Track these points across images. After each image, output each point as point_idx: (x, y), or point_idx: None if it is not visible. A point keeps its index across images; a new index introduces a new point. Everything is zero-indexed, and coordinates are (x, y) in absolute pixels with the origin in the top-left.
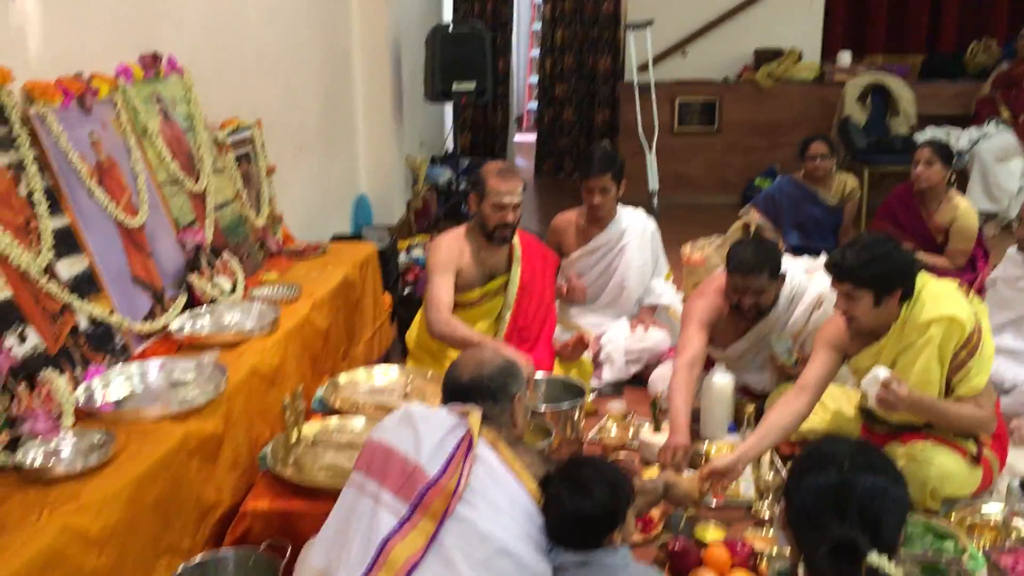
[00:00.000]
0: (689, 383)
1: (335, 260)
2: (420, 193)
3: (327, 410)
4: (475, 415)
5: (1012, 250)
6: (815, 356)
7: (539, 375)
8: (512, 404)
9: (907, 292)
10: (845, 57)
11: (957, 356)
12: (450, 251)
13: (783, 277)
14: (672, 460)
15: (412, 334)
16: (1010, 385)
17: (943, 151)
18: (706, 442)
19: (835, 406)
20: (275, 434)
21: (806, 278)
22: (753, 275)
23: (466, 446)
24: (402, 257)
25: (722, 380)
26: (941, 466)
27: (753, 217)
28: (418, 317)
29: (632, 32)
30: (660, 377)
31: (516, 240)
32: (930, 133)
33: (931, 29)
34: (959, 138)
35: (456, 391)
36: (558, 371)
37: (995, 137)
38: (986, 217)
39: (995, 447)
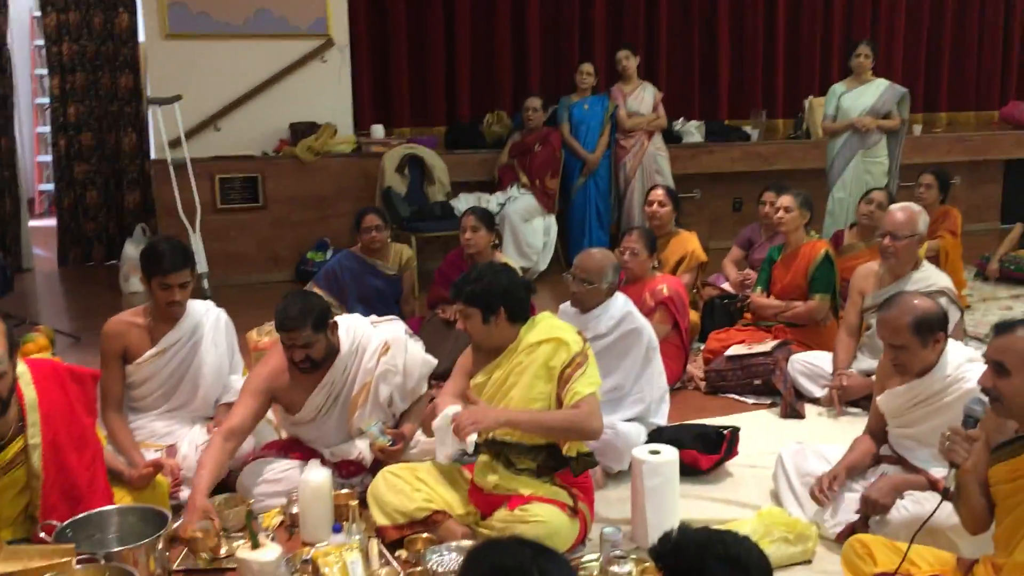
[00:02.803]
0: (218, 454)
1: None
2: None
3: None
4: None
5: None
6: (450, 380)
7: (108, 509)
8: None
9: (515, 316)
10: (378, 130)
11: (563, 373)
12: None
13: (334, 325)
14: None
15: None
16: None
17: (486, 217)
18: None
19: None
20: None
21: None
22: (296, 330)
23: None
24: None
25: (318, 477)
26: (550, 523)
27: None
28: None
29: (158, 108)
30: (249, 486)
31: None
32: (463, 199)
33: (450, 103)
34: (489, 202)
35: None
36: (126, 500)
37: (519, 200)
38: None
39: (585, 500)
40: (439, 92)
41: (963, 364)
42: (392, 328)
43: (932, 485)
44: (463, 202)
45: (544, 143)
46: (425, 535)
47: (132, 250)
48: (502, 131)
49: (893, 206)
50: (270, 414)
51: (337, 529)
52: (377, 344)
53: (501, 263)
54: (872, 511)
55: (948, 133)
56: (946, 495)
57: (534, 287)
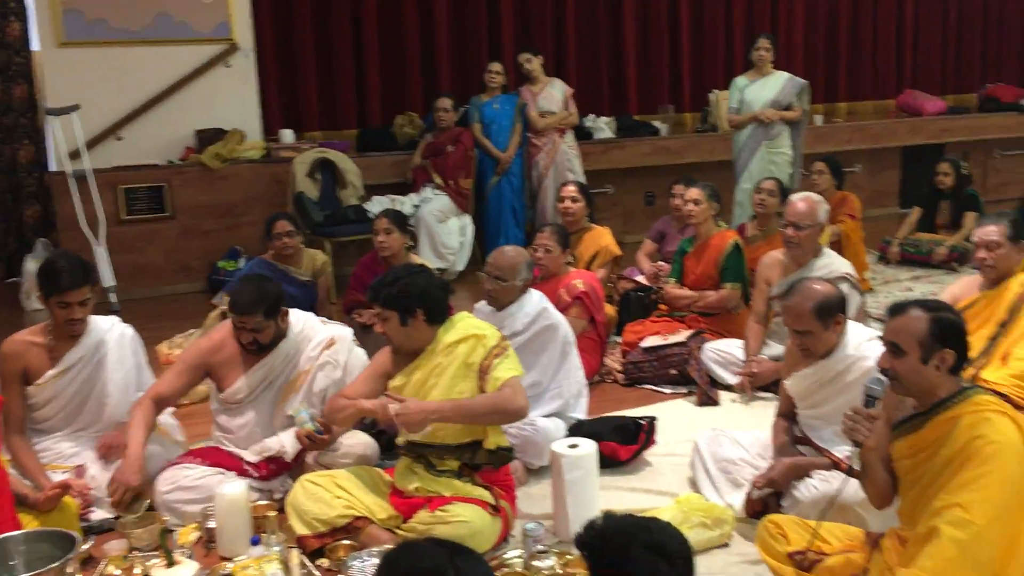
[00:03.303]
0: (148, 413)
1: None
2: None
3: None
4: None
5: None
6: (359, 381)
7: (15, 535)
8: None
9: (433, 317)
10: (288, 135)
11: (483, 364)
12: None
13: (285, 313)
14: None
15: None
16: None
17: (399, 219)
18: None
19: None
20: None
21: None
22: (249, 314)
23: None
24: None
25: (234, 490)
26: (472, 523)
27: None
28: None
29: (55, 118)
30: (163, 492)
31: None
32: (377, 202)
33: (360, 105)
34: (403, 203)
35: None
36: (33, 525)
37: (434, 201)
38: (438, 273)
39: (507, 497)
40: (349, 95)
41: (862, 344)
42: (341, 328)
43: (834, 464)
44: (377, 205)
45: (456, 143)
46: (347, 542)
47: (33, 266)
48: (414, 132)
49: (794, 196)
50: (179, 434)
51: (255, 541)
52: (324, 337)
53: (418, 264)
54: (775, 487)
55: (848, 122)
56: (851, 473)
57: (451, 287)
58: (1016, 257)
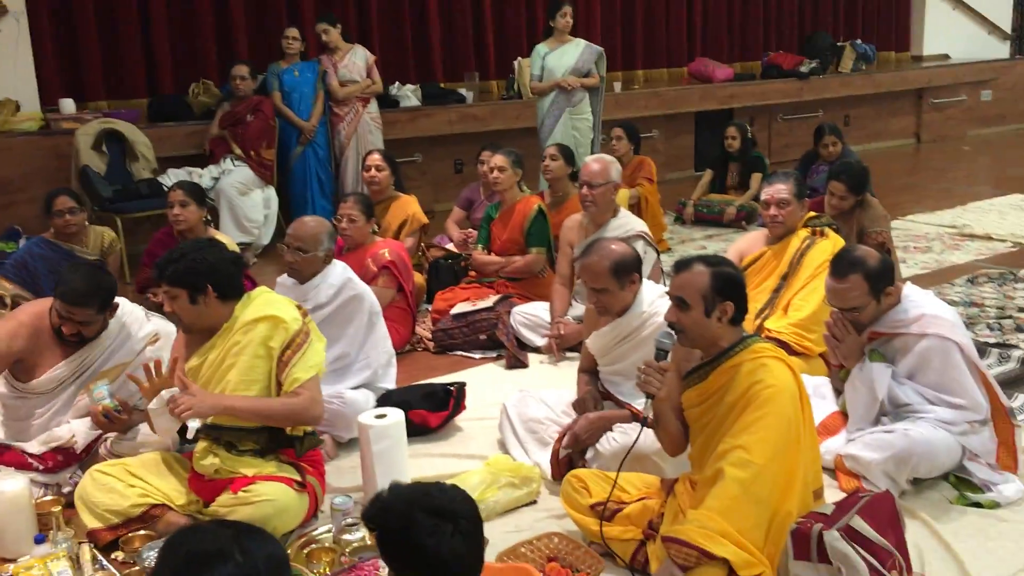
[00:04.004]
0: None
1: None
2: None
3: None
4: None
5: None
6: None
7: None
8: None
9: (226, 293)
10: (68, 105)
11: (283, 355)
12: None
13: (115, 307)
14: None
15: None
16: None
17: (195, 191)
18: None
19: None
20: None
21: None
22: (80, 307)
23: None
24: None
25: (14, 487)
26: (277, 501)
27: (6, 288)
28: None
29: None
30: None
31: None
32: (173, 175)
33: (150, 73)
34: (202, 176)
35: None
36: None
37: (234, 172)
38: (243, 247)
39: (314, 473)
40: (137, 62)
41: (656, 300)
42: (166, 324)
43: (634, 416)
44: (172, 178)
45: (256, 112)
46: (143, 532)
47: None
48: (210, 101)
49: (588, 158)
50: None
51: (40, 539)
52: (148, 332)
53: (207, 238)
54: (578, 446)
55: (645, 89)
56: (645, 423)
57: (246, 260)
58: (800, 214)
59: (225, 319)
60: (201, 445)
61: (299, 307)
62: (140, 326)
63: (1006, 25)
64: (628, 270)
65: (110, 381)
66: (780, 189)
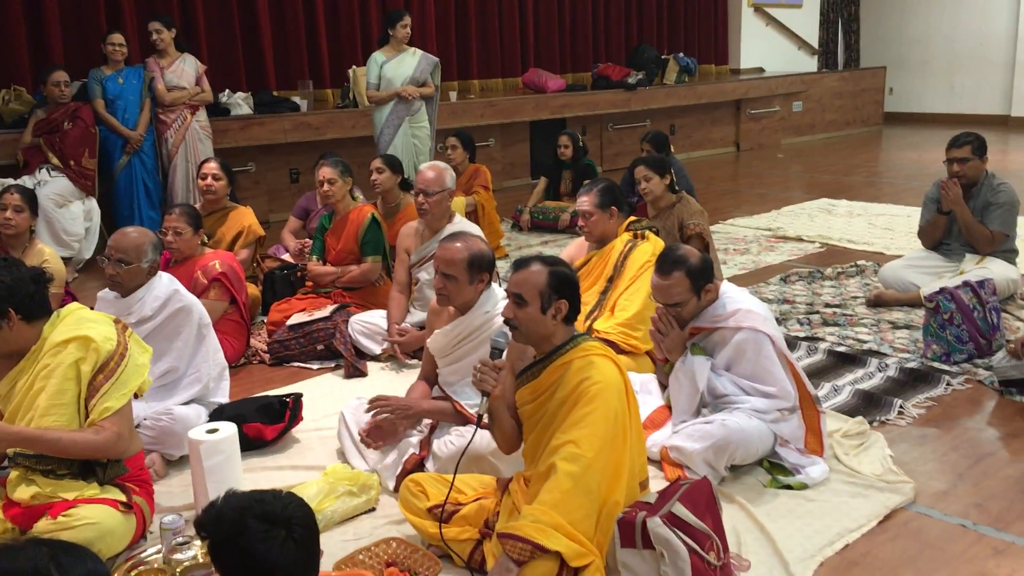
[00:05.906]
0: None
1: None
2: None
3: None
4: None
5: None
6: None
7: None
8: None
9: (31, 313)
10: None
11: (94, 381)
12: None
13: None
14: None
15: None
16: None
17: (31, 197)
18: None
19: None
20: None
21: None
22: None
23: None
24: None
25: None
26: (100, 524)
27: None
28: None
29: None
30: None
31: None
32: None
33: None
34: None
35: None
36: None
37: (51, 183)
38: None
39: (142, 493)
40: None
41: (499, 301)
42: None
43: (458, 413)
44: None
45: (74, 120)
46: None
47: None
48: (23, 109)
49: (423, 165)
50: None
51: None
52: None
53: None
54: (382, 435)
55: (481, 99)
56: (480, 423)
57: (49, 276)
58: (608, 222)
59: (33, 341)
60: (14, 473)
61: (117, 321)
62: None
63: (814, 41)
64: (482, 268)
65: None
66: (583, 201)
